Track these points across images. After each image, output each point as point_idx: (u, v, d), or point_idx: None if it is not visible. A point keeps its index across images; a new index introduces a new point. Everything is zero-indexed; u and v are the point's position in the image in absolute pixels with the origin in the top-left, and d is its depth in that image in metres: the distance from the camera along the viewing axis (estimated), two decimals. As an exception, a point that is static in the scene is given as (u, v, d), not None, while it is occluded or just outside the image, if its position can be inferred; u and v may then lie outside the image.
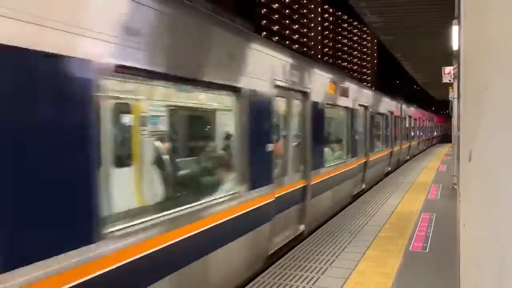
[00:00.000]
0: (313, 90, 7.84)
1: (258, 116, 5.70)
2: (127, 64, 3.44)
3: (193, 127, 6.05)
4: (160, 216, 3.87)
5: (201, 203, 4.59)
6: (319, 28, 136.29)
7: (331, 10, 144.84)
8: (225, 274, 4.98)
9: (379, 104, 15.01)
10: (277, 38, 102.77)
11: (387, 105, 16.74)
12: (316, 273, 5.46)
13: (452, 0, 7.29)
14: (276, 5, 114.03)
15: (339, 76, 10.10)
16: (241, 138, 5.31)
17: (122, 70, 3.43)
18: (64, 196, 2.87)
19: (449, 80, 14.83)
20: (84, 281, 2.92)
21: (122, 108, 4.51)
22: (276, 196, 6.21)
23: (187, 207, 4.31)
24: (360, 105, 11.89)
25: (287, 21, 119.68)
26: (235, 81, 5.16)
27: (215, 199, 4.88)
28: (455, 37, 7.71)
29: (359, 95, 11.90)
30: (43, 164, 2.74)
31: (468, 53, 1.53)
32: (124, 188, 4.32)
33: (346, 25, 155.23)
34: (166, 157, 4.93)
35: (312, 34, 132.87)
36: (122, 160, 4.46)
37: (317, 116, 8.03)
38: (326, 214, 8.80)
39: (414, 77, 31.38)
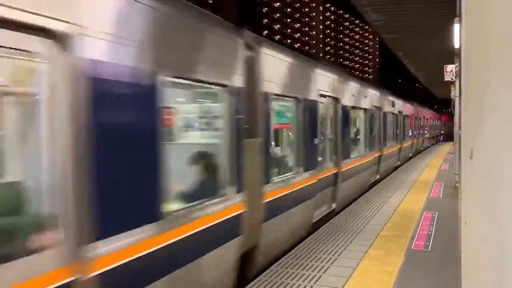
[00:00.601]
0: (383, 106, 14.95)
1: (372, 120, 13.15)
2: (351, 104, 10.51)
3: (358, 125, 12.65)
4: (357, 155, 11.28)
5: (363, 153, 12.03)
6: (321, 26, 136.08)
7: (332, 8, 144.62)
8: (364, 183, 11.74)
9: (406, 109, 20.99)
10: (278, 37, 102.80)
11: (410, 109, 22.66)
12: (317, 272, 5.46)
13: (453, -2, 7.27)
14: (278, 3, 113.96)
15: (391, 95, 17.31)
16: (373, 129, 13.20)
17: (350, 107, 10.38)
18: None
19: (451, 78, 14.82)
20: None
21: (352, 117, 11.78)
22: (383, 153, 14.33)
23: (360, 154, 11.76)
24: (398, 111, 18.33)
25: (288, 20, 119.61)
26: (368, 106, 12.63)
27: (368, 151, 12.56)
28: (457, 35, 7.71)
29: (397, 104, 18.40)
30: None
31: (469, 51, 1.52)
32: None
33: (347, 23, 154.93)
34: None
35: (314, 32, 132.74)
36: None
37: (384, 120, 15.16)
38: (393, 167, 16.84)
39: (416, 75, 31.31)
